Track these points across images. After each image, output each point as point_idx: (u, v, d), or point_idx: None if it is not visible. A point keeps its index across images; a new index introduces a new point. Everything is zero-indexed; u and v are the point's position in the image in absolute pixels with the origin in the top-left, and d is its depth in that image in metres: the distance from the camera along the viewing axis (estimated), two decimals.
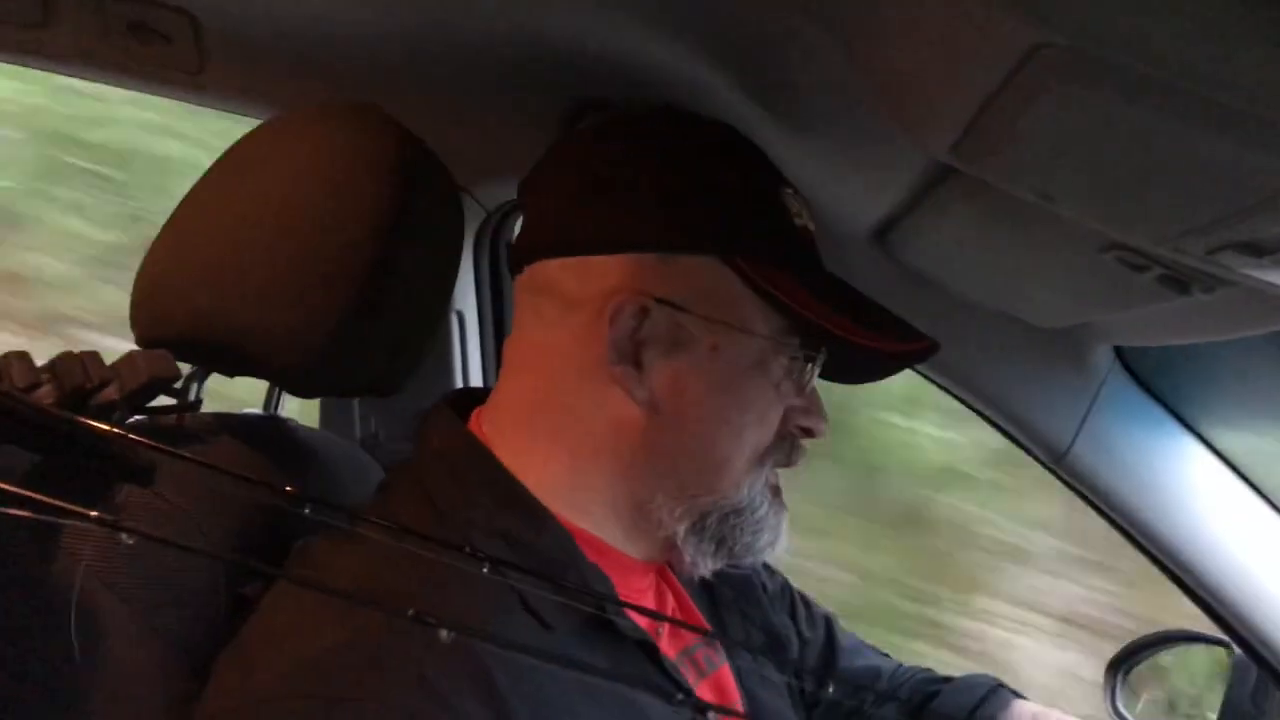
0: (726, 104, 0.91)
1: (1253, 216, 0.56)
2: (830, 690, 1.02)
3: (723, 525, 0.84)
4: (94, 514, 0.46)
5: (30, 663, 0.72)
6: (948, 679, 1.15)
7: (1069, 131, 0.55)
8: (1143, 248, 0.73)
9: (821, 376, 0.87)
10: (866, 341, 0.82)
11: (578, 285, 0.82)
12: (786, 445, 0.86)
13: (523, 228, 0.89)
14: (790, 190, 0.85)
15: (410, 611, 0.49)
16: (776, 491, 0.87)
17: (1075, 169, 0.60)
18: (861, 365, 0.87)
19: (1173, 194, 0.58)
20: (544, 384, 0.83)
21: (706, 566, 0.87)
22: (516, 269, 0.88)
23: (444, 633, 0.47)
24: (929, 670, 1.18)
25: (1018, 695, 1.11)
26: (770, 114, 0.92)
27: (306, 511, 0.63)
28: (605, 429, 0.81)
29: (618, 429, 0.81)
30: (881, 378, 0.92)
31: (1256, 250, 0.61)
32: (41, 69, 1.14)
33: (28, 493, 0.43)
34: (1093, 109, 0.52)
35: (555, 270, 0.83)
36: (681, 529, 0.83)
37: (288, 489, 0.65)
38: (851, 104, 0.82)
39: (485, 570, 0.63)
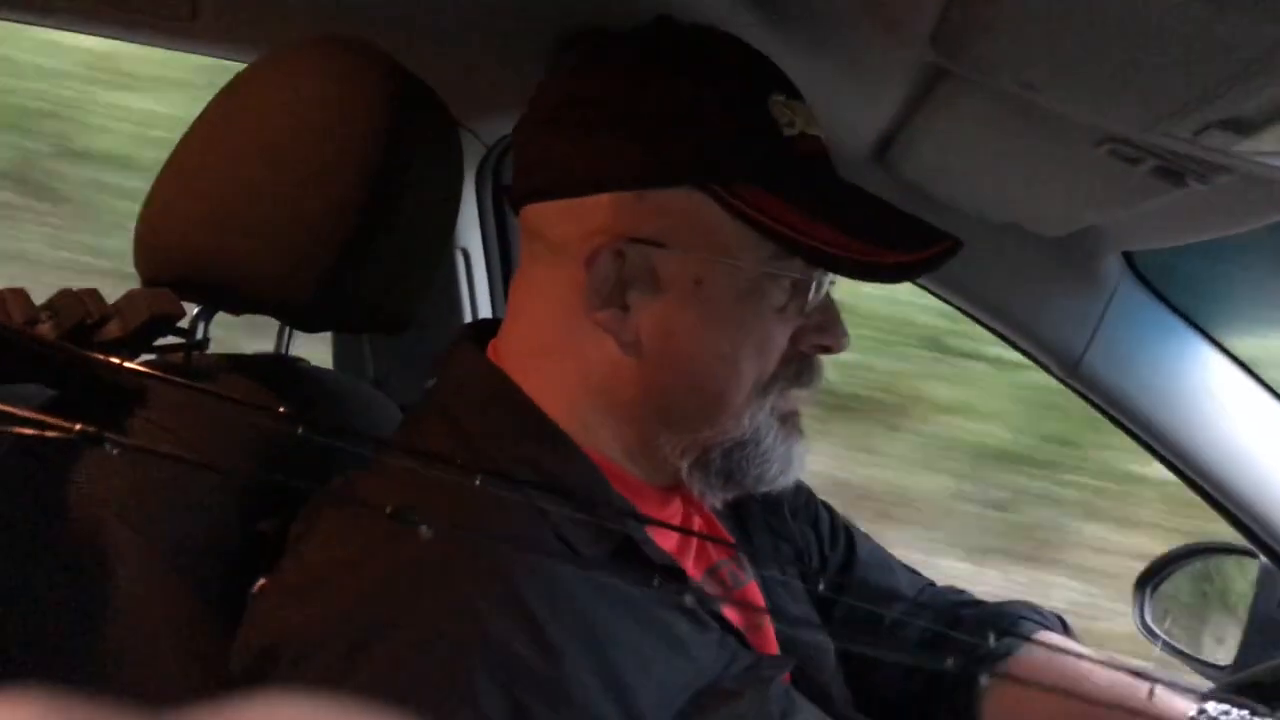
0: (723, 15, 0.89)
1: (1233, 88, 0.55)
2: (843, 599, 1.00)
3: (728, 459, 0.83)
4: (77, 427, 0.47)
5: (49, 598, 0.74)
6: (977, 602, 1.14)
7: (1043, 12, 0.55)
8: (1132, 137, 0.72)
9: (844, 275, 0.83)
10: (868, 257, 0.79)
11: (562, 228, 0.81)
12: (794, 368, 0.84)
13: (514, 169, 0.88)
14: (782, 97, 0.81)
15: (388, 509, 0.49)
16: (787, 418, 0.85)
17: (1052, 53, 0.60)
18: (872, 274, 0.83)
19: (1152, 71, 0.57)
20: (542, 327, 0.83)
21: (716, 499, 0.87)
22: (515, 210, 0.87)
23: (423, 529, 0.47)
24: (961, 592, 1.15)
25: (1045, 624, 1.07)
26: (765, 24, 0.91)
27: (323, 439, 0.64)
28: (601, 371, 0.81)
29: (613, 371, 0.81)
30: (897, 281, 0.86)
31: (1242, 126, 0.60)
32: (29, 23, 1.15)
33: (7, 408, 0.44)
34: None
35: (543, 213, 0.82)
36: (685, 464, 0.83)
37: (306, 419, 0.65)
38: (839, 6, 0.81)
39: (517, 496, 0.64)
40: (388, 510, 0.48)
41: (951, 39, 0.62)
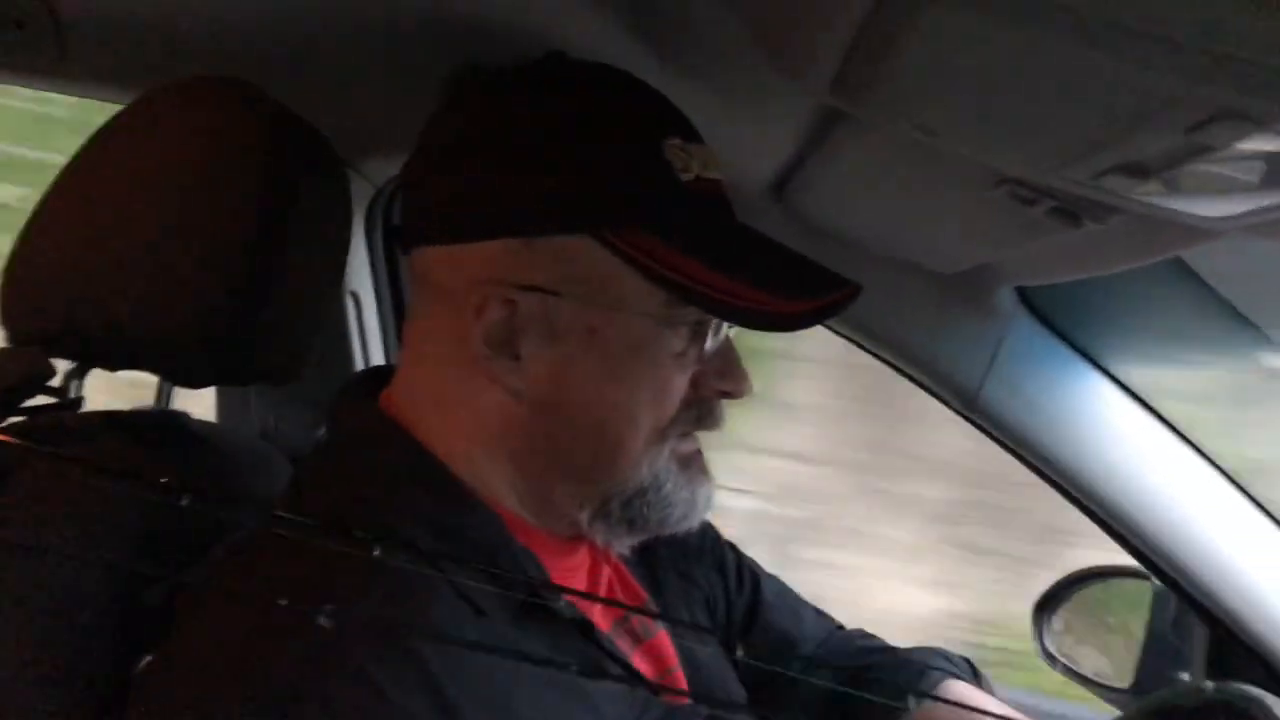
0: (618, 54, 0.88)
1: (1134, 135, 0.55)
2: (741, 654, 0.98)
3: (628, 508, 0.81)
4: None
5: None
6: (885, 648, 1.12)
7: (943, 58, 0.54)
8: (1030, 179, 0.73)
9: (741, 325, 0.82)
10: (765, 306, 0.77)
11: (449, 275, 0.78)
12: (694, 413, 0.82)
13: (403, 210, 0.85)
14: (678, 140, 0.79)
15: (283, 601, 0.46)
16: (687, 462, 0.83)
17: (953, 98, 0.59)
18: (769, 324, 0.81)
19: (1053, 117, 0.57)
20: (434, 375, 0.80)
21: (622, 546, 0.85)
22: (404, 252, 0.85)
23: (322, 619, 0.44)
24: (869, 636, 1.14)
25: (953, 673, 1.07)
26: (661, 61, 0.90)
27: (197, 506, 0.60)
28: (495, 421, 0.78)
29: (506, 421, 0.78)
30: (794, 330, 0.83)
31: (1142, 171, 0.60)
32: None
33: None
34: (966, 32, 0.50)
35: (432, 257, 0.79)
36: (584, 516, 0.81)
37: (190, 490, 0.61)
38: (737, 47, 0.80)
39: (410, 562, 0.61)
40: (282, 603, 0.45)
41: (852, 84, 0.61)
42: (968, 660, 1.10)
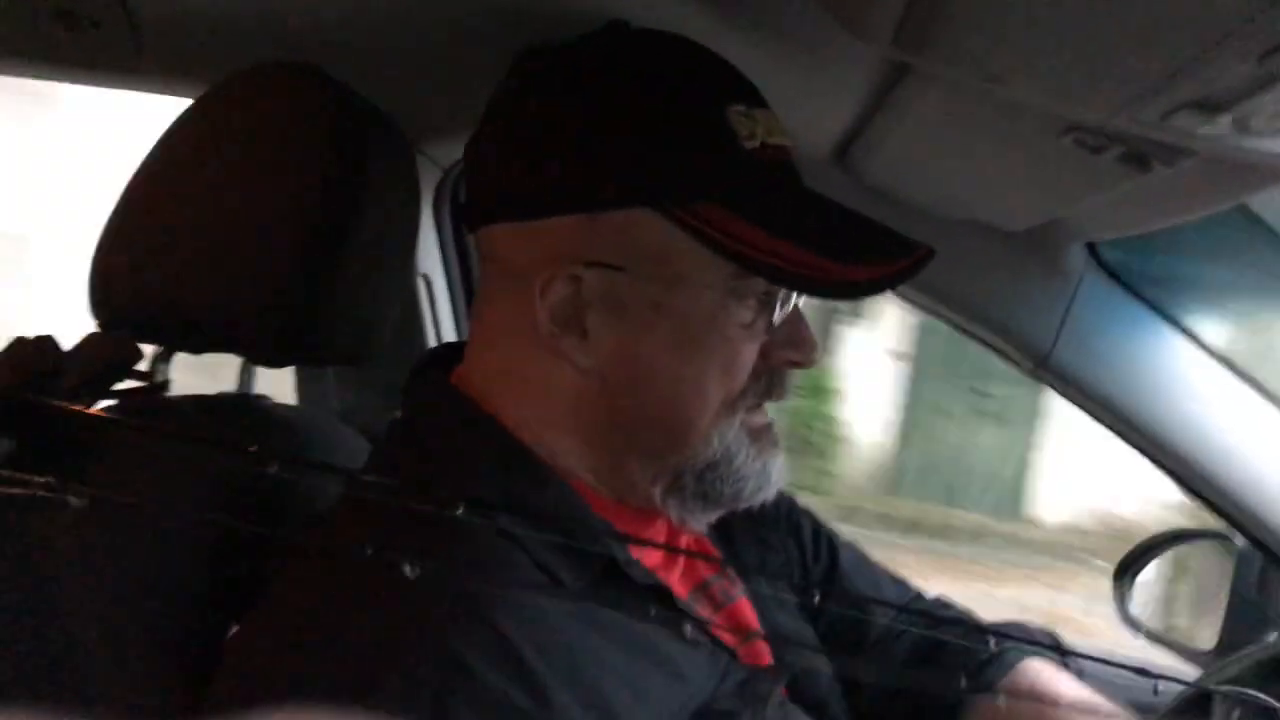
0: (678, 18, 0.88)
1: (1204, 66, 0.55)
2: (825, 608, 0.97)
3: (701, 481, 0.80)
4: (39, 480, 0.45)
5: (8, 653, 0.72)
6: (964, 620, 1.09)
7: (1003, 1, 0.54)
8: (1098, 124, 0.72)
9: (809, 294, 0.81)
10: (835, 275, 0.76)
11: (516, 253, 0.78)
12: (763, 383, 0.81)
13: (467, 190, 0.85)
14: (742, 107, 0.77)
15: (368, 549, 0.47)
16: (758, 434, 0.82)
17: (1018, 41, 0.59)
18: (839, 293, 0.81)
19: (1119, 53, 0.57)
20: (503, 352, 0.81)
21: (697, 521, 0.84)
22: (470, 232, 0.85)
23: (407, 568, 0.45)
24: (948, 605, 1.12)
25: (1038, 647, 1.04)
26: (720, 25, 0.90)
27: (284, 474, 0.62)
28: (566, 398, 0.79)
29: (577, 397, 0.78)
30: (864, 297, 0.83)
31: (1211, 107, 0.60)
32: None
33: None
34: None
35: (497, 236, 0.80)
36: (658, 491, 0.81)
37: (275, 456, 0.63)
38: (797, 6, 0.80)
39: (495, 527, 0.61)
40: (368, 550, 0.46)
41: (915, 34, 0.61)
42: (1051, 633, 1.08)
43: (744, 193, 0.76)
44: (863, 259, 0.77)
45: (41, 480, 0.45)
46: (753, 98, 0.79)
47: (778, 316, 0.79)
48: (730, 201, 0.75)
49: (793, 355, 0.82)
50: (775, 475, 0.83)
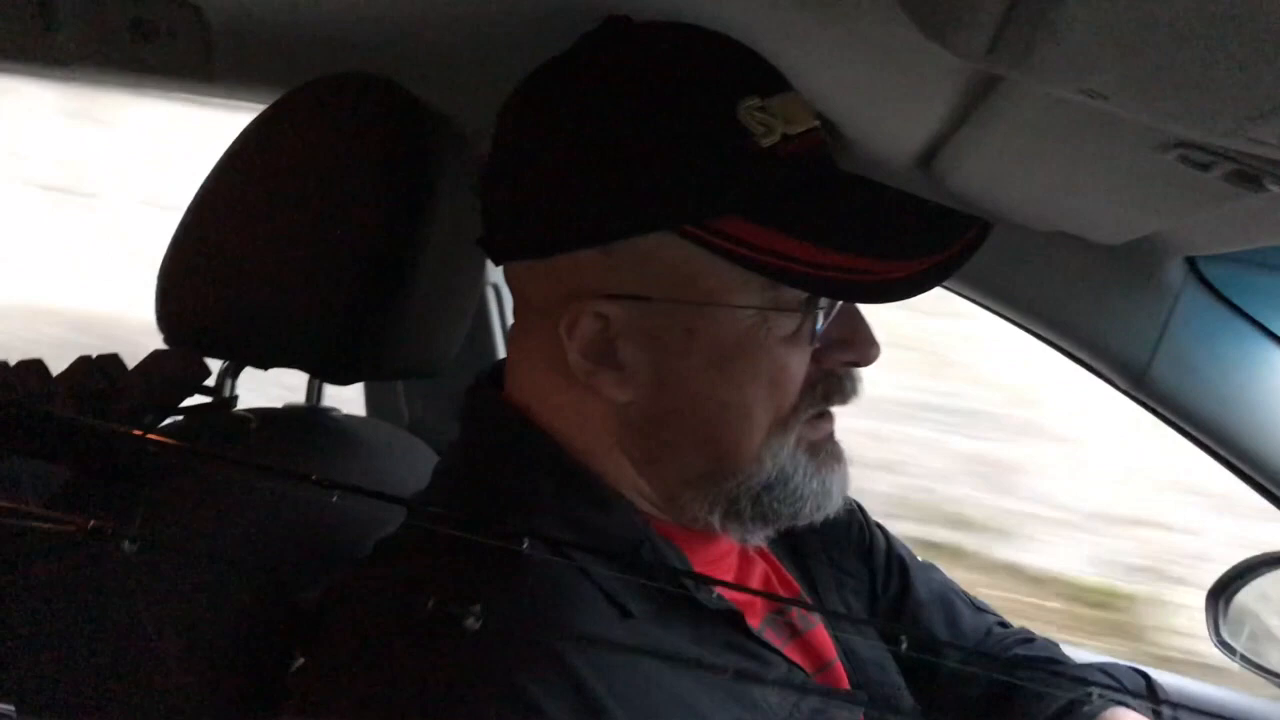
0: (769, 21, 0.84)
1: None
2: (904, 645, 0.92)
3: (758, 504, 0.76)
4: (92, 523, 0.43)
5: (75, 680, 0.71)
6: (1047, 659, 1.03)
7: (1115, 13, 0.50)
8: (1208, 141, 0.67)
9: (850, 300, 0.75)
10: (875, 276, 0.71)
11: (536, 291, 0.75)
12: (819, 390, 0.76)
13: (483, 223, 0.79)
14: (755, 100, 0.70)
15: (430, 601, 0.45)
16: (817, 449, 0.78)
17: (1125, 57, 0.55)
18: (881, 295, 0.73)
19: (1241, 70, 0.52)
20: (544, 384, 0.77)
21: (759, 540, 0.81)
22: (496, 264, 0.81)
23: (470, 620, 0.43)
24: (1029, 639, 1.05)
25: (1121, 687, 0.97)
26: (803, 25, 0.86)
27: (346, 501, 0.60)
28: (609, 430, 0.75)
29: (621, 430, 0.75)
30: (912, 295, 0.74)
31: None
32: (45, 76, 1.13)
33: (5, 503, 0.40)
34: None
35: (518, 272, 0.77)
36: (715, 518, 0.77)
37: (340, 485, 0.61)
38: (887, 10, 0.76)
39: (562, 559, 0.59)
40: (429, 604, 0.44)
41: (1011, 47, 0.57)
42: (1142, 672, 1.02)
43: (765, 199, 0.71)
44: (908, 252, 0.72)
45: (90, 523, 0.43)
46: (768, 84, 0.73)
47: (826, 319, 0.74)
48: (751, 211, 0.70)
49: (849, 356, 0.76)
50: (837, 491, 0.79)
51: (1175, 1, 0.47)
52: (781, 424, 0.75)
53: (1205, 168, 0.73)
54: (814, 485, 0.77)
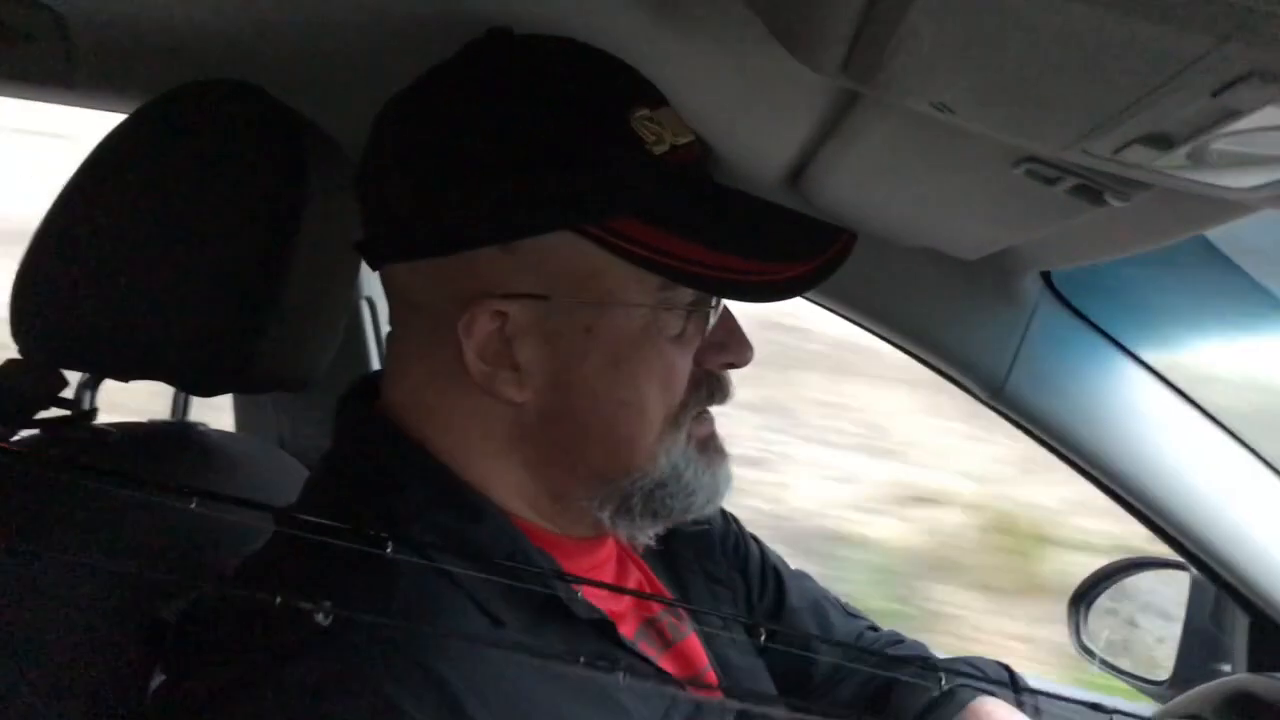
0: (633, 41, 0.85)
1: (1158, 101, 0.53)
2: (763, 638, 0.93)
3: (650, 501, 0.78)
4: None
5: None
6: (916, 658, 1.07)
7: (957, 31, 0.52)
8: (1051, 156, 0.71)
9: (738, 299, 0.78)
10: (760, 276, 0.74)
11: (426, 293, 0.75)
12: (703, 391, 0.79)
13: (362, 225, 0.79)
14: (645, 111, 0.73)
15: (276, 598, 0.44)
16: (705, 444, 0.80)
17: (968, 72, 0.57)
18: (766, 294, 0.76)
19: (1073, 87, 0.55)
20: (429, 391, 0.77)
21: (646, 537, 0.82)
22: (373, 269, 0.80)
23: (320, 616, 0.43)
24: (898, 639, 1.10)
25: (985, 678, 1.02)
26: (674, 47, 0.87)
27: (205, 509, 0.59)
28: (503, 432, 0.76)
29: (515, 431, 0.76)
30: (793, 296, 0.78)
31: (1165, 142, 0.58)
32: None
33: None
34: (980, 2, 0.49)
35: (403, 275, 0.76)
36: (606, 515, 0.78)
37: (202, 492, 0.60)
38: (750, 30, 0.78)
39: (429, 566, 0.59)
40: (277, 600, 0.44)
41: (864, 62, 0.60)
42: (1006, 666, 1.06)
43: (659, 202, 0.73)
44: (788, 255, 0.75)
45: None
46: (654, 97, 0.76)
47: (710, 322, 0.77)
48: (646, 213, 0.72)
49: (727, 357, 0.80)
50: (724, 484, 0.82)
51: (1010, 19, 0.49)
52: (673, 421, 0.77)
53: (1051, 182, 0.76)
54: (705, 480, 0.79)
